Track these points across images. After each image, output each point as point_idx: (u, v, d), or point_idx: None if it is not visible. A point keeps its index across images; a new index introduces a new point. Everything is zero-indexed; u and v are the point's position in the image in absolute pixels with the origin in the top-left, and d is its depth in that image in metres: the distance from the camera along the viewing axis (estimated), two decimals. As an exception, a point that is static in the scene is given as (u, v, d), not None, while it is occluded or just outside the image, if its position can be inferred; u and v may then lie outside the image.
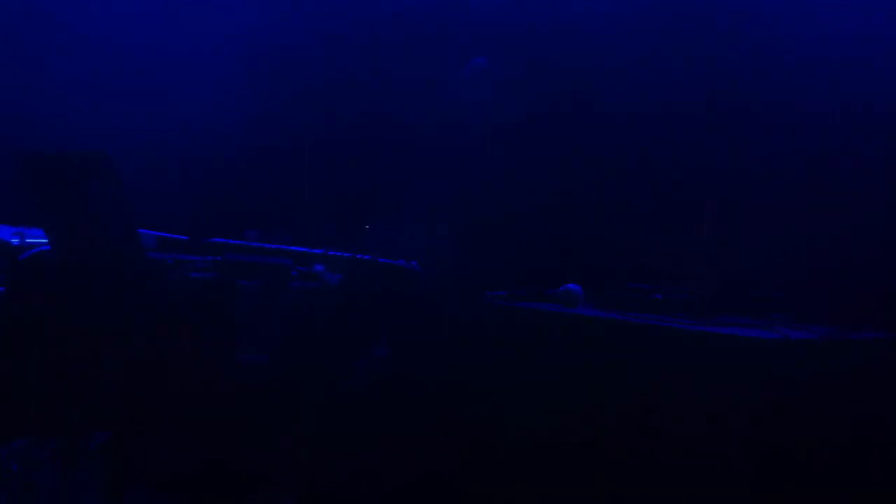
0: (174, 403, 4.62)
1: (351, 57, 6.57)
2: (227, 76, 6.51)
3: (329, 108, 6.51)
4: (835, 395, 4.11)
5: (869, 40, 4.98)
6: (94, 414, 4.51)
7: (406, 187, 5.92)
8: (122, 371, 4.31)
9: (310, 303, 4.31)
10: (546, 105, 5.81)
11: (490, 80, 5.77)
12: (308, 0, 6.69)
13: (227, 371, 4.42)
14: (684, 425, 4.10)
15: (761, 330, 4.20)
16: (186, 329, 4.32)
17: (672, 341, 4.22)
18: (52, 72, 6.32)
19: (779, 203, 5.07)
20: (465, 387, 4.74)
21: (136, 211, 4.34)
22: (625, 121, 5.58)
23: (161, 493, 4.79)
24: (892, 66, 4.92)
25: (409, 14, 6.49)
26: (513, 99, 5.78)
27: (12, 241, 4.77)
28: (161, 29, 6.58)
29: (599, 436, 4.33)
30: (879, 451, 4.20)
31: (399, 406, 4.82)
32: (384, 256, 4.68)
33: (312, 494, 4.70)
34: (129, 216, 4.27)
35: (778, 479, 3.95)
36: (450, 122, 5.87)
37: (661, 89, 5.51)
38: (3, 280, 4.70)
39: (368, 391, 4.72)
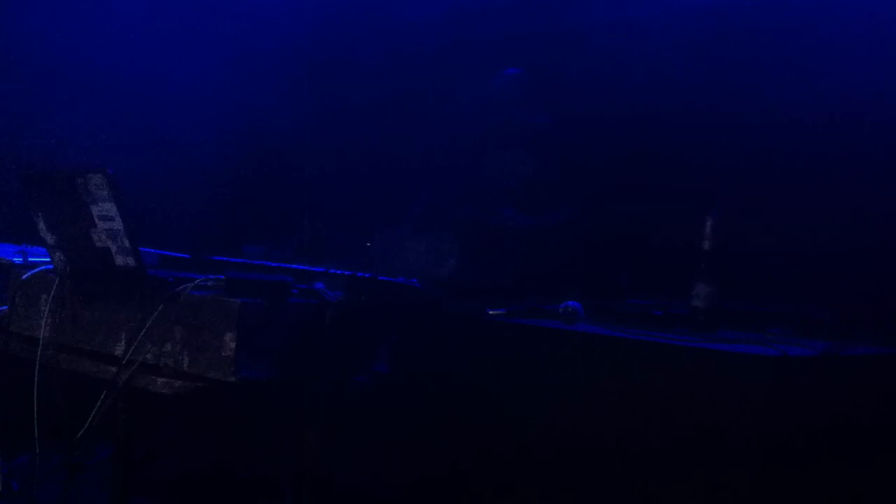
0: (176, 419, 4.65)
1: (355, 71, 6.59)
2: (229, 91, 6.53)
3: (330, 122, 6.54)
4: (833, 412, 4.12)
5: (870, 45, 4.99)
6: (98, 430, 4.53)
7: (406, 203, 5.95)
8: (124, 388, 4.32)
9: (310, 320, 4.31)
10: (548, 120, 5.83)
11: (494, 95, 5.81)
12: (310, 12, 6.70)
13: (230, 388, 4.43)
14: (682, 440, 4.11)
15: (759, 346, 4.21)
16: (187, 346, 4.33)
17: (670, 358, 4.23)
18: (52, 90, 6.36)
19: (778, 219, 5.09)
20: (465, 404, 4.75)
21: (137, 229, 4.36)
22: (626, 137, 5.60)
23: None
24: (890, 77, 4.94)
25: (412, 22, 6.51)
26: (515, 113, 5.81)
27: (15, 259, 4.80)
28: (160, 49, 6.60)
29: (597, 452, 4.35)
30: (878, 466, 4.21)
31: (400, 421, 4.84)
32: (385, 273, 4.69)
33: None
34: (131, 234, 4.28)
35: (777, 494, 3.96)
36: (451, 139, 5.90)
37: (659, 104, 5.53)
38: (7, 298, 4.73)
39: (369, 409, 4.74)
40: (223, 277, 4.34)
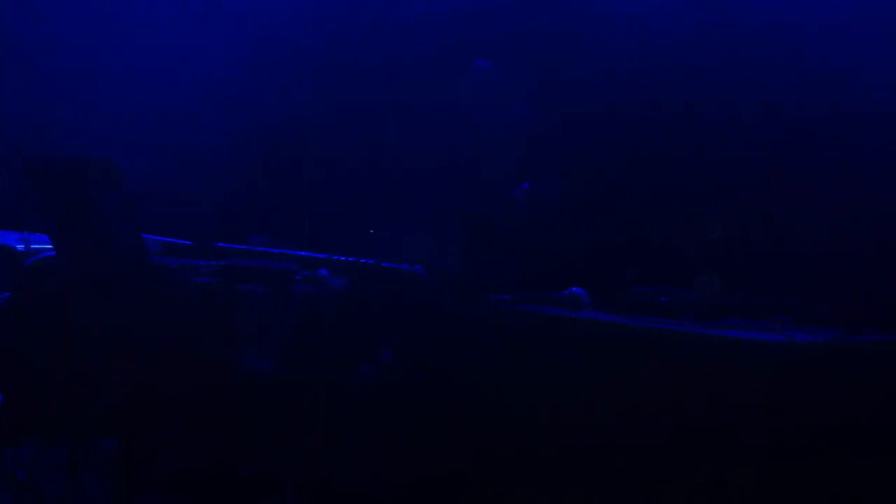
0: (180, 408, 4.63)
1: (358, 60, 6.60)
2: (233, 80, 6.54)
3: (335, 111, 6.54)
4: (840, 398, 4.10)
5: (869, 43, 5.02)
6: (101, 419, 4.51)
7: (411, 191, 5.95)
8: (128, 375, 4.31)
9: (314, 307, 4.31)
10: (550, 109, 5.84)
11: (493, 84, 5.81)
12: (315, 4, 6.72)
13: (233, 375, 4.42)
14: (689, 427, 4.09)
15: (766, 333, 4.20)
16: (191, 333, 4.32)
17: (677, 344, 4.22)
18: (55, 76, 6.35)
19: (782, 206, 5.10)
20: (469, 390, 4.73)
21: (140, 216, 4.35)
22: (629, 126, 5.61)
23: (168, 498, 4.79)
24: (890, 71, 4.96)
25: (416, 18, 6.52)
26: (517, 102, 5.83)
27: (17, 246, 4.78)
28: (165, 34, 6.61)
29: (603, 438, 4.33)
30: (884, 452, 4.19)
31: (404, 409, 4.81)
32: (389, 260, 4.69)
33: (318, 498, 4.70)
34: (134, 221, 4.28)
35: (783, 480, 3.94)
36: (455, 126, 5.90)
37: (664, 94, 5.54)
38: (9, 285, 4.71)
39: (373, 394, 4.72)
40: (226, 265, 4.33)
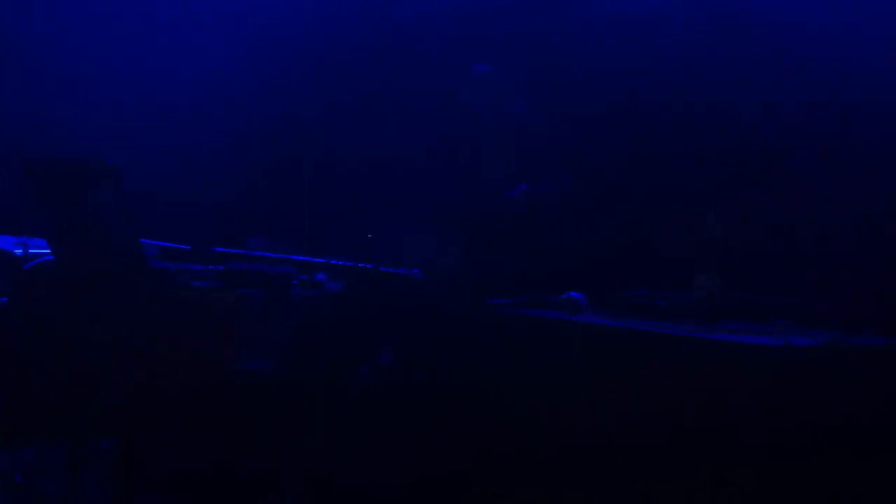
0: (179, 410, 4.64)
1: (358, 60, 6.60)
2: (233, 80, 6.54)
3: (335, 111, 6.54)
4: (838, 402, 4.09)
5: (868, 43, 5.01)
6: (100, 421, 4.51)
7: (411, 191, 5.94)
8: (126, 379, 4.31)
9: (311, 311, 4.31)
10: (550, 109, 5.83)
11: (493, 84, 5.81)
12: (314, 4, 6.72)
13: (233, 376, 4.42)
14: (688, 431, 4.08)
15: (764, 336, 4.19)
16: (191, 335, 4.32)
17: (675, 348, 4.21)
18: (55, 76, 6.36)
19: (782, 206, 5.09)
20: (467, 394, 4.73)
21: (138, 219, 4.35)
22: (629, 125, 5.61)
23: (168, 498, 4.80)
24: (890, 70, 4.95)
25: (414, 20, 6.52)
26: (517, 103, 5.83)
27: (16, 251, 4.78)
28: (165, 34, 6.62)
29: (602, 440, 4.32)
30: (883, 457, 4.18)
31: (402, 413, 4.82)
32: (386, 265, 4.68)
33: (318, 498, 4.70)
34: (132, 225, 4.27)
35: (781, 485, 3.94)
36: (455, 126, 5.90)
37: (664, 94, 5.53)
38: (7, 290, 4.71)
39: (372, 398, 4.72)
40: (224, 269, 4.33)
